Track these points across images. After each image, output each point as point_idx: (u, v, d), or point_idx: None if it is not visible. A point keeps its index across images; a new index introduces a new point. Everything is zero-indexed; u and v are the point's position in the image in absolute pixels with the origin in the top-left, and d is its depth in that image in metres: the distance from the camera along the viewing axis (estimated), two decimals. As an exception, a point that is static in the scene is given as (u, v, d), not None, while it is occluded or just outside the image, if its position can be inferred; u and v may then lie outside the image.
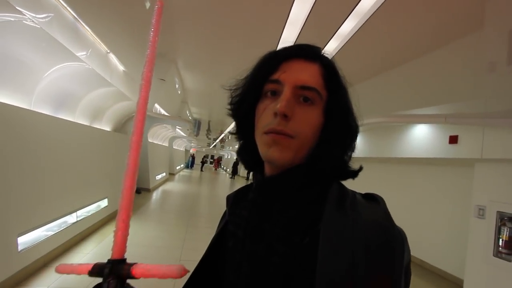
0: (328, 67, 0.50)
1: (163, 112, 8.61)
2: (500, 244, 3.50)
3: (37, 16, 2.44)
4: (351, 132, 0.53)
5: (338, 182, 0.50)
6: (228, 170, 22.84)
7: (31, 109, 3.06)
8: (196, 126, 15.17)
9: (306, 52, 0.50)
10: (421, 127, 4.43)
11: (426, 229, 5.41)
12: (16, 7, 2.09)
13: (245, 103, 0.54)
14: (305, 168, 0.49)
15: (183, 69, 8.37)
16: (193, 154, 28.41)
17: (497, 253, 3.50)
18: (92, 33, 3.47)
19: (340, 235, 0.39)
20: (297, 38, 4.17)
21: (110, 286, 0.47)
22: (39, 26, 2.47)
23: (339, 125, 0.50)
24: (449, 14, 3.50)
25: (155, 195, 9.01)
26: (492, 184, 3.70)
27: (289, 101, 0.46)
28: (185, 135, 14.68)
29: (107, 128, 5.51)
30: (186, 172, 21.06)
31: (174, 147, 16.77)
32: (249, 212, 0.53)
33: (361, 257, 0.36)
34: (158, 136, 11.35)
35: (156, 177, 10.52)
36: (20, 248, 2.69)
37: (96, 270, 0.49)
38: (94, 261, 0.52)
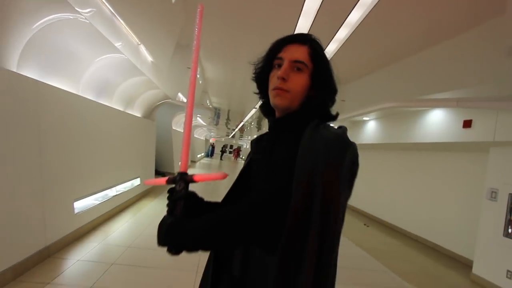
0: (313, 47, 0.77)
1: (185, 100, 9.06)
2: (510, 224, 3.60)
3: (84, 11, 2.82)
4: (329, 88, 0.79)
5: (319, 119, 0.76)
6: (243, 157, 23.40)
7: (79, 94, 3.54)
8: (216, 114, 15.65)
9: (299, 38, 0.78)
10: (436, 113, 4.51)
11: (439, 213, 5.52)
12: (75, 8, 2.50)
13: (262, 72, 0.84)
14: (298, 112, 0.78)
15: (204, 59, 8.74)
16: (213, 143, 29.17)
17: (508, 234, 3.61)
18: (126, 26, 3.85)
19: (311, 142, 0.68)
20: (310, 28, 4.35)
21: (180, 186, 0.78)
22: (88, 21, 2.87)
23: (320, 84, 0.77)
24: (464, 2, 3.54)
25: (179, 179, 9.65)
26: (505, 168, 3.79)
27: (286, 70, 0.73)
28: (205, 124, 15.22)
29: (138, 114, 6.04)
30: (206, 160, 21.81)
31: (195, 136, 17.43)
32: (266, 141, 0.84)
33: (320, 153, 0.66)
34: (181, 124, 11.93)
35: (179, 162, 11.15)
36: (76, 211, 3.23)
37: (170, 179, 0.79)
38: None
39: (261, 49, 0.86)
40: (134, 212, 4.71)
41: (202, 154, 22.79)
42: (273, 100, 0.78)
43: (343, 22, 4.15)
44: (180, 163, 0.85)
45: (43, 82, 2.76)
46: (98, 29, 3.03)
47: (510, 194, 3.66)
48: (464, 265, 4.55)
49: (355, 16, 3.82)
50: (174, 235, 0.68)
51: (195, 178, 0.79)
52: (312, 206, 0.64)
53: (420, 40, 4.88)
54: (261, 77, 0.84)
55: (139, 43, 4.50)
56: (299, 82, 0.75)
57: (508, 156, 3.74)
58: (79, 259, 2.77)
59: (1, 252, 2.14)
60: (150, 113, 6.77)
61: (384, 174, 7.52)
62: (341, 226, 0.70)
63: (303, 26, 4.33)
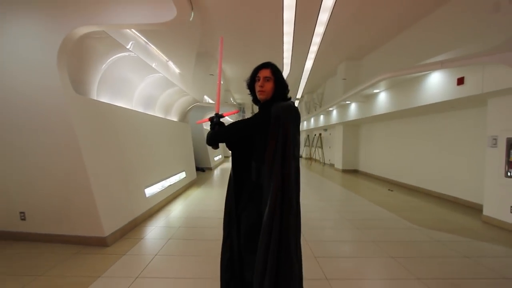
0: (273, 68, 1.65)
1: (211, 101, 10.11)
2: (509, 165, 4.02)
3: (128, 46, 3.73)
4: (283, 86, 1.66)
5: (281, 100, 1.63)
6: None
7: (133, 109, 4.65)
8: (241, 110, 16.62)
9: (265, 65, 1.66)
10: (434, 76, 4.91)
11: (450, 168, 5.94)
12: (127, 47, 3.51)
13: (251, 83, 1.71)
14: (271, 99, 1.65)
15: (222, 62, 9.66)
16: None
17: (507, 174, 4.04)
18: (156, 49, 4.82)
19: (276, 109, 1.53)
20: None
21: (215, 118, 1.70)
22: (134, 54, 3.89)
23: (278, 85, 1.64)
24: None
25: (216, 172, 10.79)
26: (502, 116, 4.18)
27: (262, 81, 1.63)
28: (232, 120, 16.32)
29: (175, 119, 7.17)
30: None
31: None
32: (257, 117, 1.69)
33: (281, 112, 1.50)
34: (210, 124, 13.09)
35: (215, 158, 12.37)
36: (147, 195, 4.36)
37: (210, 117, 1.73)
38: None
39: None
40: (184, 198, 5.83)
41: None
42: (258, 95, 1.67)
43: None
44: (215, 105, 1.76)
45: (114, 104, 3.85)
46: (139, 56, 4.02)
47: (507, 138, 4.05)
48: (476, 210, 4.97)
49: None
50: (212, 137, 1.66)
51: (223, 114, 1.70)
52: (278, 135, 1.48)
53: (412, 12, 5.27)
54: (251, 85, 1.73)
55: (168, 60, 5.50)
56: (268, 86, 1.65)
57: (504, 105, 4.11)
58: (156, 226, 3.87)
59: (113, 220, 3.26)
60: (184, 116, 7.90)
61: (401, 142, 7.90)
62: (293, 144, 1.52)
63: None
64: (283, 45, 7.10)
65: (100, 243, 3.09)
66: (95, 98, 3.60)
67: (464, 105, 5.22)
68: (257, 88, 1.64)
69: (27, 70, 2.85)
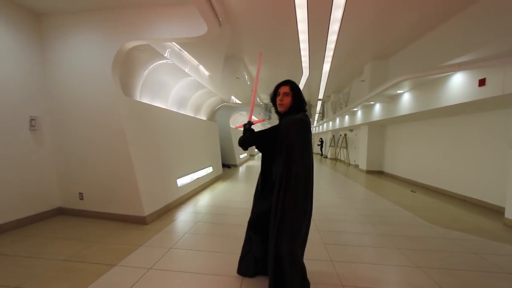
0: (292, 84, 2.07)
1: (238, 101, 10.66)
2: (531, 167, 3.96)
3: (165, 54, 4.33)
4: (300, 100, 2.08)
5: (300, 113, 2.04)
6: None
7: (169, 108, 5.27)
8: (268, 109, 17.02)
9: (285, 82, 2.09)
10: (457, 77, 4.90)
11: (473, 170, 5.82)
12: (165, 55, 4.10)
13: (274, 97, 2.14)
14: (288, 111, 2.07)
15: (249, 63, 10.14)
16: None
17: (530, 176, 3.99)
18: (188, 54, 5.38)
19: (284, 121, 2.00)
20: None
21: (247, 125, 2.18)
22: (171, 62, 4.47)
23: (296, 99, 2.06)
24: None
25: (241, 168, 11.33)
26: (526, 117, 4.10)
27: (282, 96, 2.09)
28: (257, 119, 16.79)
29: (204, 118, 7.78)
30: (263, 153, 23.55)
31: (250, 132, 19.16)
32: (279, 126, 2.10)
33: (287, 124, 1.95)
34: (237, 123, 13.69)
35: (240, 156, 12.93)
36: (178, 185, 4.95)
37: (244, 124, 2.21)
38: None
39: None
40: (210, 190, 6.38)
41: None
42: (278, 108, 2.11)
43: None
44: (248, 119, 2.19)
45: (152, 105, 4.48)
46: (174, 62, 4.60)
47: (530, 140, 3.99)
48: (499, 213, 4.86)
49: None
50: (242, 141, 2.11)
51: (253, 122, 2.15)
52: (283, 142, 1.93)
53: (439, 13, 5.27)
54: (273, 99, 2.16)
55: (198, 64, 6.06)
56: (287, 100, 2.08)
57: (528, 106, 4.05)
58: (186, 211, 4.43)
59: (151, 203, 3.86)
60: (212, 116, 8.50)
61: (425, 143, 7.76)
62: (300, 149, 1.92)
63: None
64: (300, 51, 7.38)
65: (141, 221, 3.69)
66: (139, 99, 4.23)
67: (488, 107, 5.12)
68: (278, 102, 2.06)
69: (87, 77, 3.53)
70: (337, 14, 5.31)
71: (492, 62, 3.52)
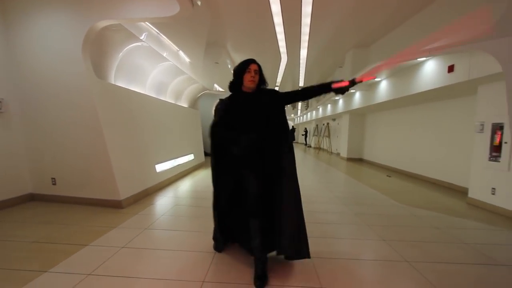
0: (258, 64, 2.12)
1: (221, 89, 10.55)
2: (492, 149, 4.24)
3: (141, 36, 4.23)
4: (263, 78, 2.15)
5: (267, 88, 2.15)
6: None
7: (146, 93, 5.16)
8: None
9: (253, 60, 2.12)
10: (429, 64, 5.09)
11: (444, 154, 6.14)
12: (141, 38, 3.99)
13: (240, 74, 2.12)
14: (257, 89, 2.13)
15: (232, 51, 10.02)
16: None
17: (490, 157, 4.27)
18: (167, 39, 5.25)
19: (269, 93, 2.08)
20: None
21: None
22: (147, 44, 4.36)
23: (261, 78, 2.13)
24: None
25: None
26: (490, 102, 4.37)
27: (254, 74, 2.10)
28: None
29: (185, 105, 7.69)
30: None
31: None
32: (242, 102, 2.13)
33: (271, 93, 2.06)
34: (221, 112, 13.61)
35: (224, 145, 12.93)
36: (157, 170, 4.92)
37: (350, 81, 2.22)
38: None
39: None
40: (191, 178, 6.38)
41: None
42: (250, 84, 2.11)
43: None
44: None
45: (129, 89, 4.38)
46: (151, 46, 4.49)
47: (492, 123, 4.25)
48: (464, 193, 5.19)
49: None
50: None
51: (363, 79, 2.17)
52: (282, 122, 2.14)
53: (417, 1, 5.41)
54: (239, 73, 2.12)
55: (178, 49, 5.94)
56: (257, 78, 2.12)
57: (492, 92, 4.29)
58: (165, 196, 4.43)
59: (128, 187, 3.83)
60: (194, 103, 8.40)
61: (401, 130, 8.08)
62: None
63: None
64: (276, 36, 7.38)
65: (117, 205, 3.67)
66: (113, 83, 4.12)
67: (458, 93, 5.37)
68: (249, 78, 2.07)
69: (56, 57, 3.40)
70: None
71: (459, 48, 3.68)
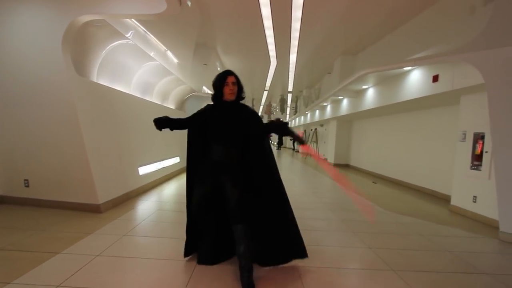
0: (235, 76, 2.11)
1: (210, 92, 10.44)
2: (474, 158, 4.34)
3: (127, 34, 4.09)
4: (241, 88, 2.16)
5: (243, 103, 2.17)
6: (274, 143, 24.66)
7: (131, 93, 4.99)
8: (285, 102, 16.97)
9: (231, 72, 2.11)
10: (414, 73, 5.20)
11: (428, 162, 6.29)
12: (126, 35, 3.85)
13: (219, 87, 2.10)
14: (236, 100, 2.12)
15: (222, 53, 9.95)
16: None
17: (472, 166, 4.37)
18: (155, 38, 5.11)
19: (248, 112, 2.06)
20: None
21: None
22: (132, 42, 4.22)
23: (239, 88, 2.15)
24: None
25: (212, 160, 11.20)
26: (472, 112, 4.49)
27: (232, 86, 2.10)
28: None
29: (172, 106, 7.51)
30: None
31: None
32: (222, 112, 2.12)
33: (250, 114, 2.04)
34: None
35: (211, 148, 12.76)
36: (140, 173, 4.74)
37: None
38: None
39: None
40: (177, 181, 6.21)
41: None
42: (229, 96, 2.11)
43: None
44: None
45: (112, 88, 4.21)
46: (138, 44, 4.35)
47: (474, 133, 4.36)
48: (446, 201, 5.30)
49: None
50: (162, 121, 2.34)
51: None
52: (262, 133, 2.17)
53: (405, 10, 5.53)
54: (219, 87, 2.11)
55: (166, 49, 5.81)
56: (235, 90, 2.10)
57: (474, 102, 4.41)
58: (147, 200, 4.26)
59: (107, 191, 3.64)
60: (181, 105, 8.24)
61: (387, 138, 8.23)
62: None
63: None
64: (266, 39, 7.39)
65: (95, 209, 3.47)
66: (95, 81, 3.95)
67: (442, 102, 5.52)
68: (228, 91, 2.09)
69: (34, 52, 3.21)
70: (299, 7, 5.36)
71: (441, 59, 3.77)
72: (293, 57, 8.82)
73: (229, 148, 2.12)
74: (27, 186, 3.58)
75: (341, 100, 9.70)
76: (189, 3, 5.68)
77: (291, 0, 5.27)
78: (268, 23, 6.07)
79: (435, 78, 4.61)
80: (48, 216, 3.26)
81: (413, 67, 5.00)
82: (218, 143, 2.13)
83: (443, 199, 5.63)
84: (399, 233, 3.39)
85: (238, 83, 2.13)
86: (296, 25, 6.08)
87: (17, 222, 3.02)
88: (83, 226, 3.00)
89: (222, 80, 2.10)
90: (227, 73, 2.12)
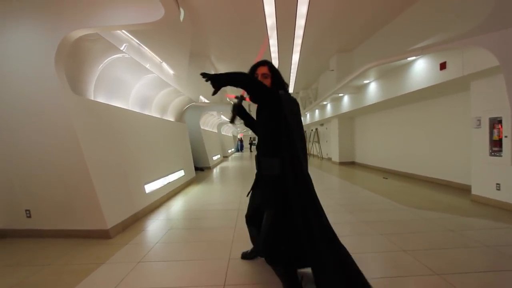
0: (270, 66, 1.90)
1: (206, 101, 10.26)
2: (492, 144, 4.19)
3: (121, 47, 3.89)
4: (280, 81, 1.95)
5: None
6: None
7: (130, 109, 4.80)
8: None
9: (262, 62, 1.91)
10: (419, 63, 5.07)
11: (441, 153, 6.10)
12: (121, 49, 3.67)
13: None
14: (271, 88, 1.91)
15: (216, 61, 9.83)
16: (241, 138, 30.60)
17: (491, 152, 4.21)
18: (149, 50, 4.93)
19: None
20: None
21: (239, 98, 2.01)
22: (128, 56, 4.04)
23: (276, 81, 1.94)
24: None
25: (215, 170, 10.95)
26: (484, 97, 4.35)
27: (261, 78, 1.94)
28: (229, 120, 16.45)
29: (171, 119, 7.32)
30: (237, 154, 23.26)
31: (222, 133, 18.78)
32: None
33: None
34: (208, 124, 13.27)
35: (213, 157, 12.52)
36: (147, 191, 4.51)
37: (237, 96, 2.02)
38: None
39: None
40: (184, 195, 5.98)
41: (233, 149, 24.25)
42: None
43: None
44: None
45: (110, 104, 4.01)
46: (133, 57, 4.16)
47: (489, 118, 4.21)
48: (466, 191, 5.13)
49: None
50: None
51: (243, 95, 1.97)
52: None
53: (398, 2, 5.43)
54: None
55: (161, 61, 5.64)
56: (267, 82, 1.91)
57: (485, 87, 4.28)
58: (157, 219, 4.03)
59: (115, 214, 3.42)
60: (180, 116, 8.05)
61: (394, 131, 8.08)
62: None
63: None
64: (269, 40, 7.24)
65: (103, 235, 3.25)
66: (92, 98, 3.75)
67: (450, 90, 5.39)
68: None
69: (26, 72, 3.01)
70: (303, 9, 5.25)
71: (451, 45, 3.64)
72: (295, 57, 8.69)
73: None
74: (29, 217, 3.34)
75: (341, 98, 9.57)
76: (182, 17, 5.55)
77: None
78: (270, 21, 5.92)
79: (443, 66, 4.48)
80: (55, 247, 3.02)
81: (417, 57, 4.87)
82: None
83: (461, 189, 5.46)
84: (428, 231, 3.19)
85: (273, 73, 1.91)
86: (300, 22, 5.96)
87: (21, 257, 2.79)
88: (93, 255, 2.78)
89: (251, 72, 1.95)
90: (257, 64, 1.95)
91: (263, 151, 1.92)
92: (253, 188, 2.18)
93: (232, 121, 2.16)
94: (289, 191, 1.72)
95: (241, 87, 1.72)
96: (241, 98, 2.04)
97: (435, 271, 2.23)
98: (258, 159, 1.99)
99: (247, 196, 2.33)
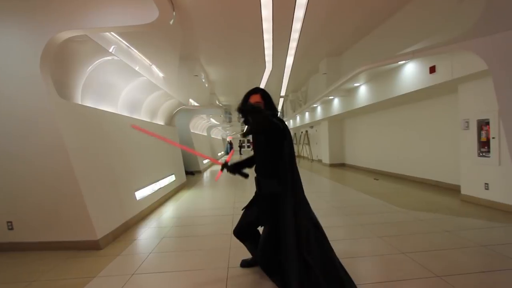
0: (262, 93, 1.91)
1: (196, 104, 10.12)
2: (480, 145, 4.30)
3: (110, 49, 3.73)
4: (272, 108, 1.98)
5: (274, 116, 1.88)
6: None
7: (119, 113, 4.63)
8: (227, 112, 16.66)
9: (255, 90, 1.92)
10: (409, 67, 5.18)
11: (429, 154, 6.25)
12: (110, 51, 3.53)
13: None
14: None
15: (206, 64, 9.71)
16: (230, 141, 30.44)
17: (480, 153, 4.32)
18: (138, 53, 4.78)
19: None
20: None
21: (224, 166, 2.10)
22: (117, 58, 3.90)
23: (268, 107, 1.94)
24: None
25: (206, 174, 10.79)
26: (472, 99, 4.46)
27: None
28: (218, 123, 16.30)
29: (161, 122, 7.15)
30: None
31: (212, 136, 18.61)
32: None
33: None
34: (197, 127, 13.09)
35: (204, 161, 12.34)
36: (137, 198, 4.35)
37: (222, 164, 2.06)
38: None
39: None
40: (175, 200, 5.83)
41: (222, 152, 24.06)
42: None
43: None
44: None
45: (99, 109, 3.85)
46: (122, 59, 4.01)
47: (477, 120, 4.34)
48: (455, 191, 5.26)
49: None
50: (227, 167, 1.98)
51: (226, 160, 2.02)
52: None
53: (385, 7, 5.53)
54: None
55: (151, 64, 5.50)
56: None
57: (473, 90, 4.40)
58: (149, 227, 3.88)
59: (105, 223, 3.26)
60: (170, 120, 7.88)
61: (383, 133, 8.22)
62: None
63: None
64: (263, 43, 7.23)
65: (93, 246, 3.08)
66: (80, 102, 3.59)
67: (438, 93, 5.52)
68: None
69: (10, 75, 2.84)
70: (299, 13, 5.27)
71: (442, 49, 3.72)
72: (289, 60, 8.71)
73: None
74: (11, 229, 3.13)
75: (331, 100, 9.67)
76: (172, 21, 5.42)
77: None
78: (267, 25, 5.90)
79: (432, 69, 4.58)
80: (41, 261, 2.84)
81: (407, 61, 4.97)
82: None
83: (450, 189, 5.59)
84: (425, 232, 3.22)
85: (266, 101, 1.93)
86: (296, 25, 5.97)
87: (3, 274, 2.59)
88: (83, 268, 2.62)
89: (244, 101, 1.96)
90: (250, 92, 1.97)
91: (264, 173, 2.02)
92: (249, 205, 2.22)
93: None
94: (287, 211, 1.86)
95: (255, 120, 1.79)
96: (225, 165, 2.12)
97: (436, 273, 2.23)
98: (258, 181, 2.06)
99: (242, 210, 2.28)
